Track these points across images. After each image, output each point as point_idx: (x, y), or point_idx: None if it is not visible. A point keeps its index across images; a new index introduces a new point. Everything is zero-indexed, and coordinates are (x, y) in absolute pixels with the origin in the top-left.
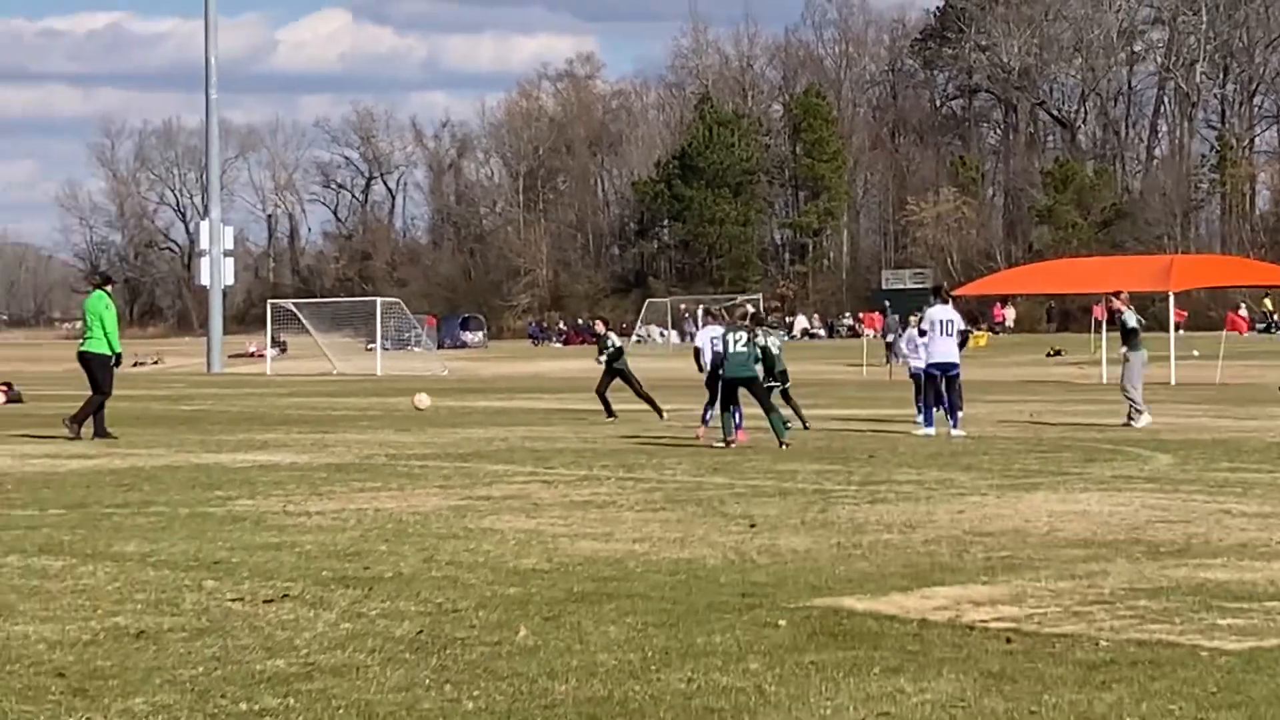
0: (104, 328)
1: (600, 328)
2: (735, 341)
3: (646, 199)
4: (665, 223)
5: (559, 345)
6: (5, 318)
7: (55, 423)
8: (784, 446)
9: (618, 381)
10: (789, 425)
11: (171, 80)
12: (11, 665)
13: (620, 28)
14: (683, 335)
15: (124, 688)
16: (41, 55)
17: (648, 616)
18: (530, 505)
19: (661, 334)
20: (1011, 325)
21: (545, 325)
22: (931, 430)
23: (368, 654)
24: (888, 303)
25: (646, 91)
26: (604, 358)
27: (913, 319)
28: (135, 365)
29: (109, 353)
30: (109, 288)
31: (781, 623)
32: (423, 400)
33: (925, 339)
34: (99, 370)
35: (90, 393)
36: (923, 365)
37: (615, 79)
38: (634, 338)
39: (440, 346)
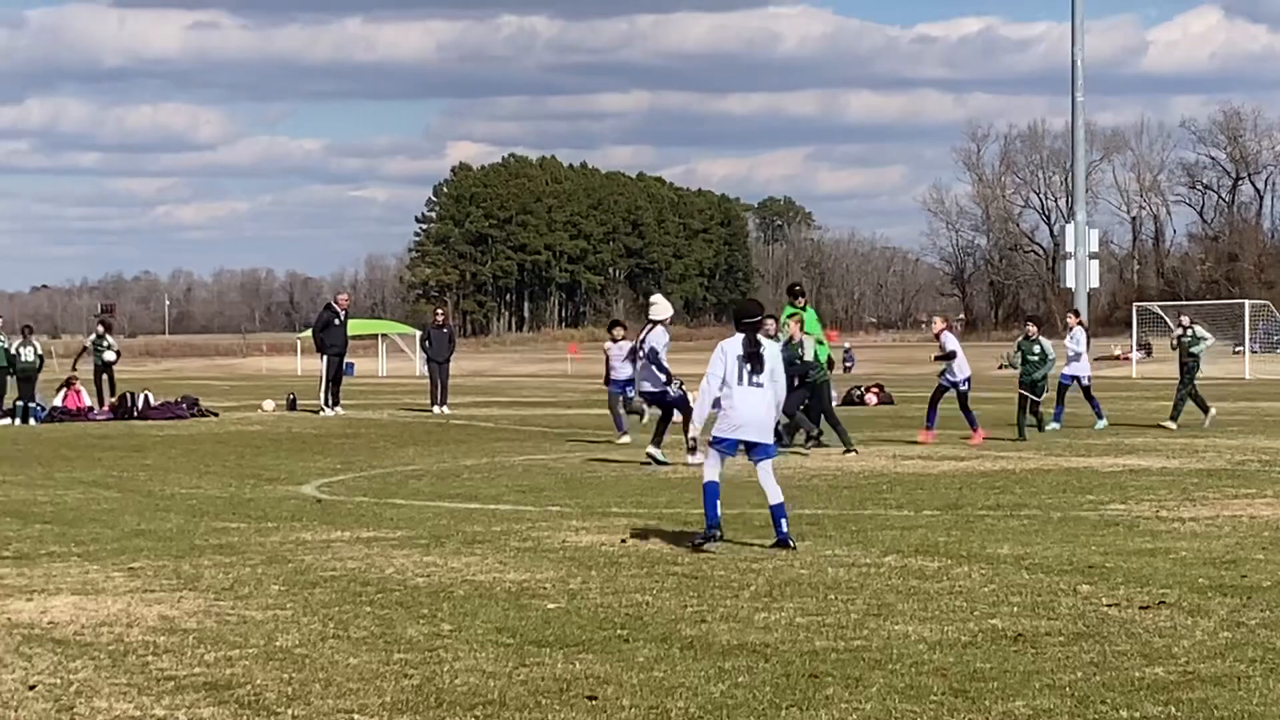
0: None
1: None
2: None
3: None
4: None
5: None
6: (874, 321)
7: (915, 425)
8: None
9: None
10: None
11: (1039, 84)
12: (894, 664)
13: None
14: None
15: (1003, 690)
16: (915, 62)
17: None
18: None
19: None
20: None
21: None
22: None
23: (1248, 664)
24: None
25: None
26: None
27: None
28: (1000, 369)
29: None
30: None
31: None
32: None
33: None
34: None
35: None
36: None
37: None
38: None
39: None
